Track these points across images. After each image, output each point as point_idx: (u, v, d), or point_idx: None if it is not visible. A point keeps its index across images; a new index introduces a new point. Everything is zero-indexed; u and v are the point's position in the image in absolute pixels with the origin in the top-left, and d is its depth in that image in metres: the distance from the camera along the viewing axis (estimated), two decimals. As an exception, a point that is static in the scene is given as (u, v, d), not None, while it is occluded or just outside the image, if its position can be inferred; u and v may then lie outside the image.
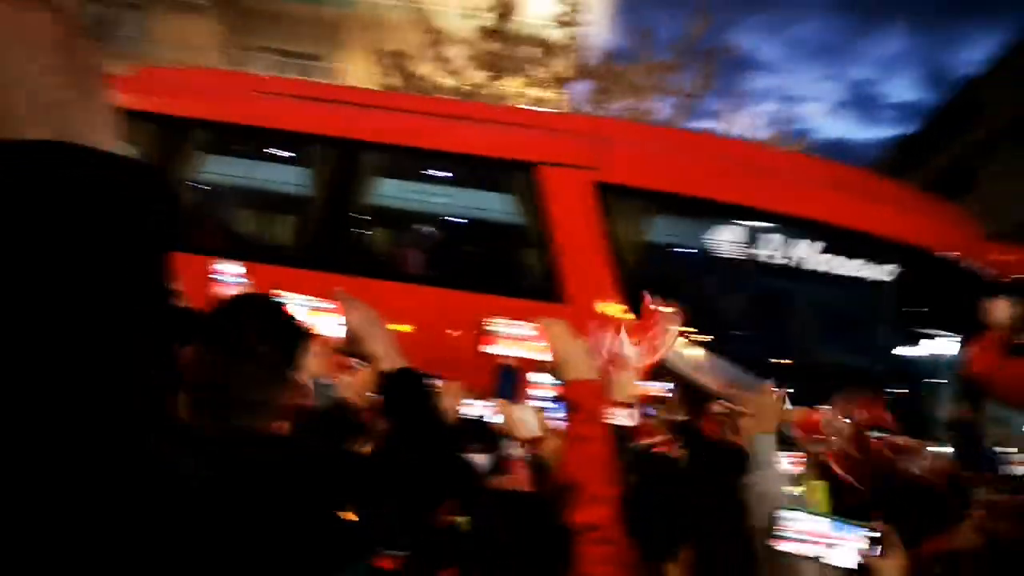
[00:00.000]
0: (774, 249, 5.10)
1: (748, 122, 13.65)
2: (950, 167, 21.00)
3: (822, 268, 5.04)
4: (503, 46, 11.85)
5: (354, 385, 2.59)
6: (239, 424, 1.30)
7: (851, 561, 1.74)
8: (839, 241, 5.05)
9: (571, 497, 1.48)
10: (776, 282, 5.27)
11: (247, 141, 5.72)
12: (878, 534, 1.73)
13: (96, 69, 0.58)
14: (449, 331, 4.78)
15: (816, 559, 1.80)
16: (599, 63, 12.26)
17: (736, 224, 5.14)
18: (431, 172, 5.65)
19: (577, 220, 5.05)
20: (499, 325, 4.21)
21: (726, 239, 5.15)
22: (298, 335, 1.38)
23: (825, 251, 5.05)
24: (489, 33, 11.88)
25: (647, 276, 5.07)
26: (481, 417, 3.16)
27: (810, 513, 1.85)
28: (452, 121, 5.65)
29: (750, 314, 5.45)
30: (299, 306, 1.52)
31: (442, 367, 3.49)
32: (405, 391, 1.46)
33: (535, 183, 5.12)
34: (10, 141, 0.52)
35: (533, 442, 2.69)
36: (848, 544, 1.74)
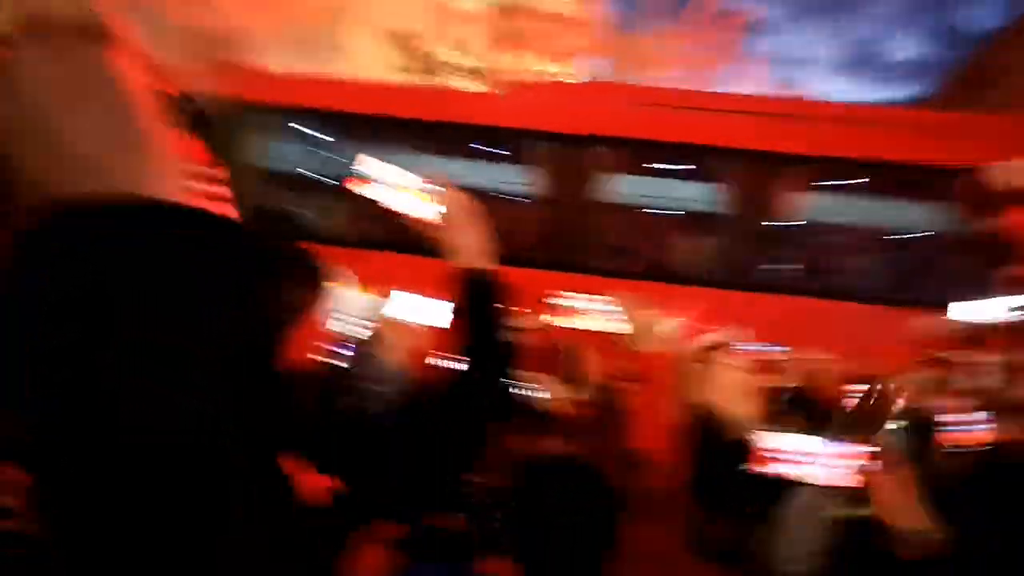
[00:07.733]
0: None
1: (754, 87, 13.70)
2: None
3: None
4: (517, 23, 11.83)
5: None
6: None
7: (844, 479, 1.52)
8: None
9: (632, 463, 1.49)
10: None
11: (656, 156, 5.42)
12: (877, 448, 1.52)
13: (156, 115, 0.55)
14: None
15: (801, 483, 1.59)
16: (612, 35, 12.26)
17: None
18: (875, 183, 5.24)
19: None
20: (569, 299, 4.33)
21: None
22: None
23: None
24: (504, 10, 11.85)
25: None
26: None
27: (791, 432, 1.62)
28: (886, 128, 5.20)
29: None
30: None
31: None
32: (478, 297, 1.22)
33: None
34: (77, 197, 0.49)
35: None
36: (840, 461, 1.53)
